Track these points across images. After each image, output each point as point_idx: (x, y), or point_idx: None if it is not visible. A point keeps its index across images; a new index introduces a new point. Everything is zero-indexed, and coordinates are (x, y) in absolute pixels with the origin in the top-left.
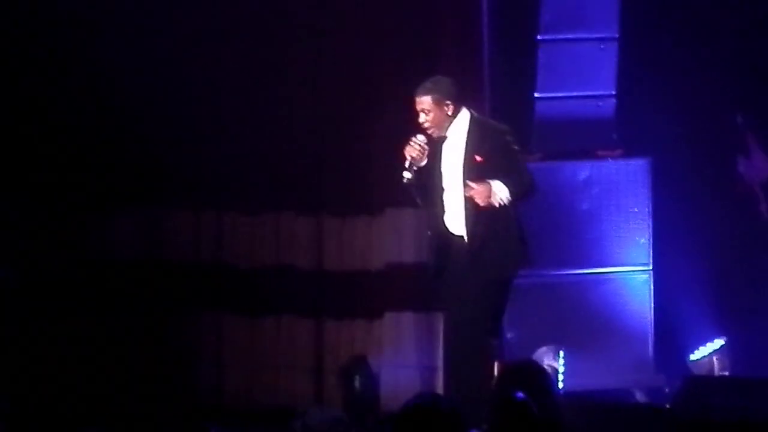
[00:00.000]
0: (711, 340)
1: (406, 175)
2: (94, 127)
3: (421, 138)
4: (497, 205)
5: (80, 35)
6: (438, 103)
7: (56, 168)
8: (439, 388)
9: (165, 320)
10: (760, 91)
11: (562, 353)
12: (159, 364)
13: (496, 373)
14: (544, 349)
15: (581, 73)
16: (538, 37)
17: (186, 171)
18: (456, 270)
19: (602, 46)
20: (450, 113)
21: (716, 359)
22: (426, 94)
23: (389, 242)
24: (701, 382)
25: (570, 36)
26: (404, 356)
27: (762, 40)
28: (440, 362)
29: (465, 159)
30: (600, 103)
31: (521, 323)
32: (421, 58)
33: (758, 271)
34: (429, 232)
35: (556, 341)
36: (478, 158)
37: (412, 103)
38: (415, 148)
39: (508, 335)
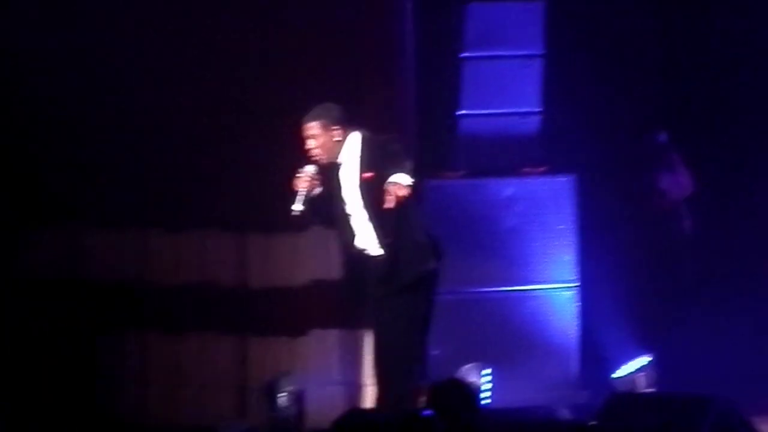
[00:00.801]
0: (635, 356)
1: (296, 207)
2: (14, 144)
3: (309, 169)
4: (407, 192)
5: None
6: (325, 128)
7: None
8: (365, 405)
9: (88, 338)
10: (683, 109)
11: (487, 370)
12: (82, 383)
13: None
14: (469, 365)
15: (506, 90)
16: (463, 54)
17: (108, 188)
18: (377, 287)
19: (527, 63)
20: (338, 138)
21: (640, 376)
22: (313, 119)
23: (314, 259)
24: (625, 399)
25: (494, 53)
26: (329, 373)
27: (686, 58)
28: (366, 379)
29: (359, 179)
30: (525, 120)
31: (446, 340)
32: (345, 77)
33: (682, 288)
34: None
35: (481, 358)
36: (367, 175)
37: (301, 130)
38: (304, 180)
39: (434, 352)
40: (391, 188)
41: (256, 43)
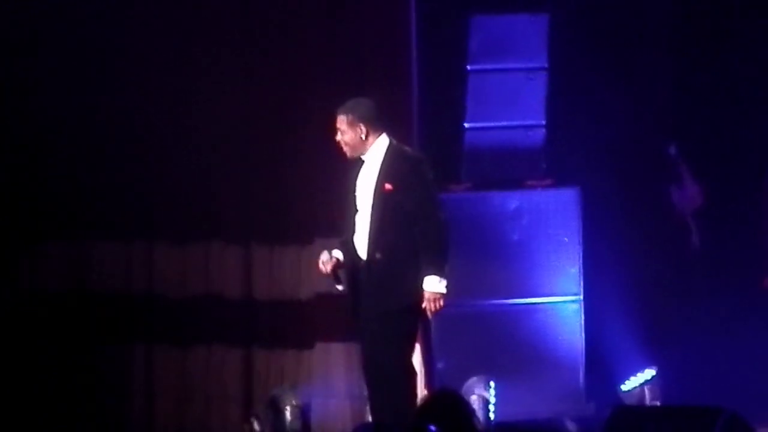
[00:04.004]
0: (642, 369)
1: (339, 287)
2: (20, 157)
3: (323, 256)
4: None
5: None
6: (351, 124)
7: None
8: (369, 418)
9: (95, 351)
10: (692, 121)
11: (492, 383)
12: (89, 395)
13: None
14: (474, 379)
15: (510, 103)
16: (468, 66)
17: (115, 201)
18: (361, 297)
19: (531, 76)
20: (363, 136)
21: (647, 389)
22: (343, 113)
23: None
24: (632, 412)
25: (499, 66)
26: (334, 386)
27: (695, 69)
28: None
29: (376, 186)
30: (529, 133)
31: (452, 353)
32: (350, 88)
33: (689, 301)
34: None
35: (487, 371)
36: (387, 186)
37: (334, 120)
38: (326, 265)
39: (439, 365)
40: (429, 300)
41: (261, 57)
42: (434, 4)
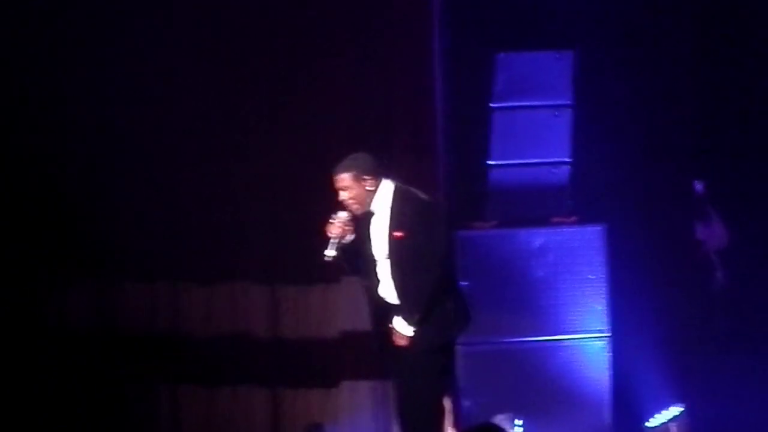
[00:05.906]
0: (668, 406)
1: (329, 253)
2: (46, 197)
3: (342, 215)
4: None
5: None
6: (356, 179)
7: (8, 239)
8: None
9: (121, 391)
10: (719, 158)
11: (519, 421)
12: None
13: None
14: (501, 416)
15: (535, 140)
16: (492, 104)
17: (141, 241)
18: (393, 338)
19: (556, 113)
20: (370, 188)
21: (674, 426)
22: (344, 171)
23: (345, 311)
24: None
25: (524, 103)
26: (361, 425)
27: (721, 107)
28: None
29: (388, 235)
30: (554, 170)
31: (478, 390)
32: (376, 127)
33: (715, 338)
34: (368, 305)
35: (514, 408)
36: (397, 234)
37: (332, 182)
38: (336, 226)
39: (466, 403)
40: (395, 335)
41: (288, 94)
42: (459, 41)
